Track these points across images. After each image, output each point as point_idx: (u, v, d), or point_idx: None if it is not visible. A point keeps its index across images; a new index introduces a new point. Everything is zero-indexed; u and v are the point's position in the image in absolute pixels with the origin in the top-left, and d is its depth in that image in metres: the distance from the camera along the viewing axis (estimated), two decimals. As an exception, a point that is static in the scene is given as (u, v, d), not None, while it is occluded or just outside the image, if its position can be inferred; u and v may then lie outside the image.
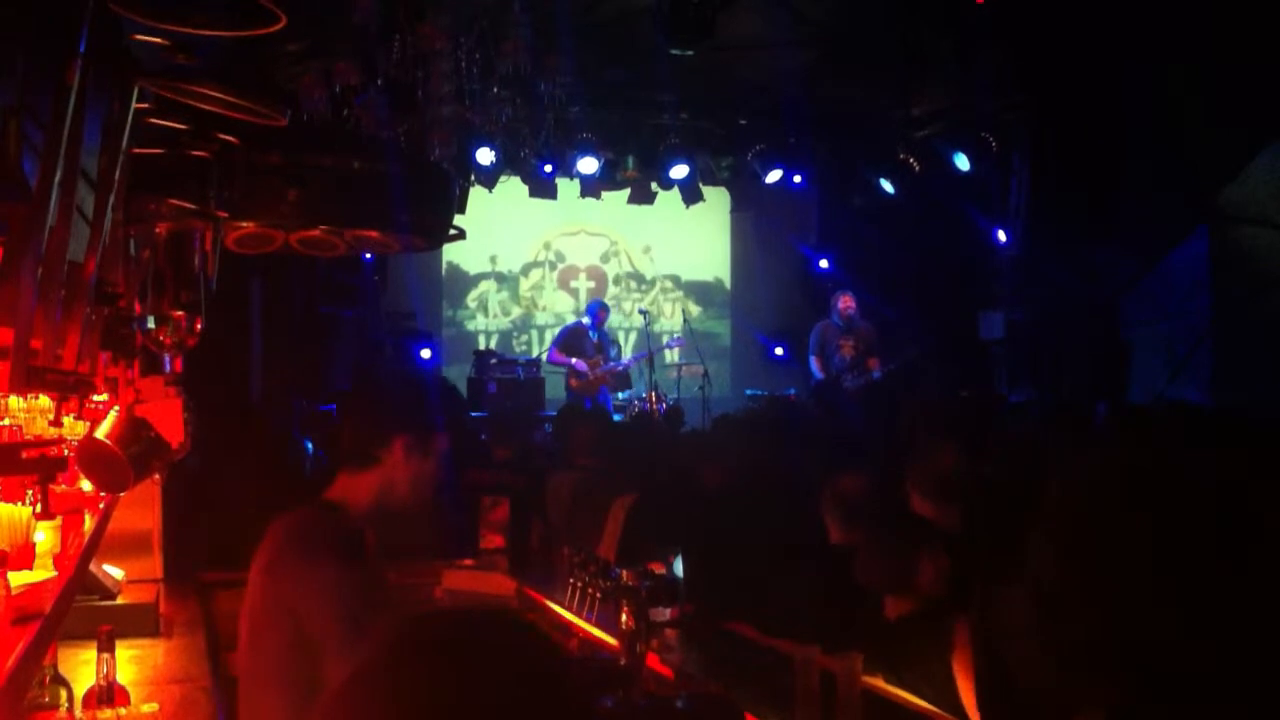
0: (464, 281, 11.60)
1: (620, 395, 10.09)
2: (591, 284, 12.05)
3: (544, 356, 10.47)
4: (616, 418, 8.95)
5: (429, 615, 1.10)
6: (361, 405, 2.42)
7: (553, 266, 12.03)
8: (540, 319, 11.90)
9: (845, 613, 3.02)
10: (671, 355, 10.76)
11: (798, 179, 10.66)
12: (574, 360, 9.82)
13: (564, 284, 12.03)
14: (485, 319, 11.71)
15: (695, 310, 12.08)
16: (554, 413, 7.33)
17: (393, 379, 2.61)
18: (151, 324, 2.58)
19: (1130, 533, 1.30)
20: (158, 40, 2.05)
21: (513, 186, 10.97)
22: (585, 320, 10.17)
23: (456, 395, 2.54)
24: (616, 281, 12.09)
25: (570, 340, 10.01)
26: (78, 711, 2.31)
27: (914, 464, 3.32)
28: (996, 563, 2.67)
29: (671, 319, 11.93)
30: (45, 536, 2.33)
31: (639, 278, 12.16)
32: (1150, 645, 1.18)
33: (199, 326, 2.63)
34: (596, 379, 9.85)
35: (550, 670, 1.04)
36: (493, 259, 11.72)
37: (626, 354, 10.66)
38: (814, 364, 9.60)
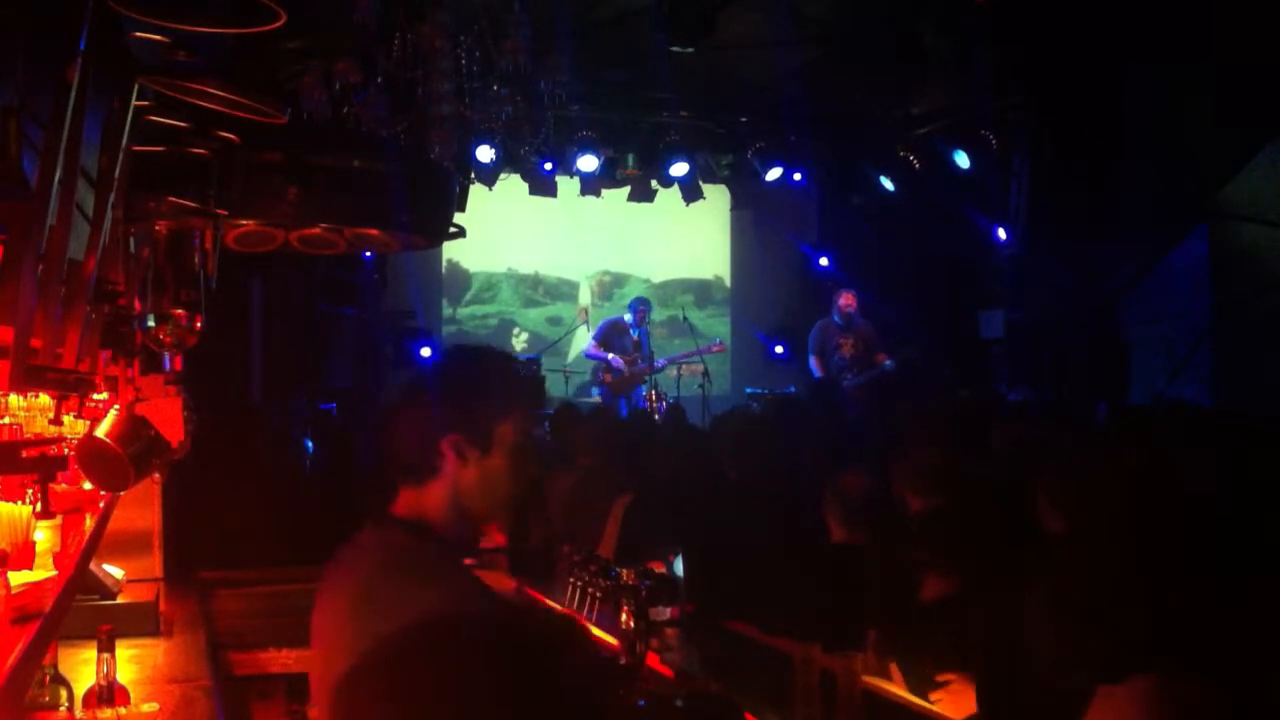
0: (464, 280, 11.59)
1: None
2: (591, 282, 12.05)
3: (538, 355, 10.46)
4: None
5: (451, 616, 1.12)
6: (407, 410, 2.02)
7: (552, 264, 12.02)
8: (540, 317, 11.90)
9: (845, 612, 3.03)
10: (692, 367, 10.68)
11: (797, 177, 10.66)
12: (610, 356, 9.77)
13: (563, 281, 12.03)
14: (485, 317, 11.70)
15: (695, 309, 12.07)
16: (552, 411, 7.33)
17: (437, 371, 2.12)
18: (152, 322, 2.58)
19: (1132, 532, 1.31)
20: (158, 38, 2.04)
21: (513, 184, 10.97)
22: (627, 317, 10.06)
23: (516, 372, 2.15)
24: (616, 279, 12.09)
25: (610, 335, 9.91)
26: (78, 711, 2.31)
27: (903, 462, 3.33)
28: (996, 560, 2.67)
29: (672, 314, 11.91)
30: (45, 536, 2.33)
31: (638, 275, 12.15)
32: (1157, 638, 1.19)
33: (199, 325, 2.63)
34: (632, 376, 9.79)
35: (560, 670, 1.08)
36: (493, 257, 11.72)
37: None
38: (813, 363, 9.60)
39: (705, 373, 10.43)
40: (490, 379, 2.03)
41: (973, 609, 2.54)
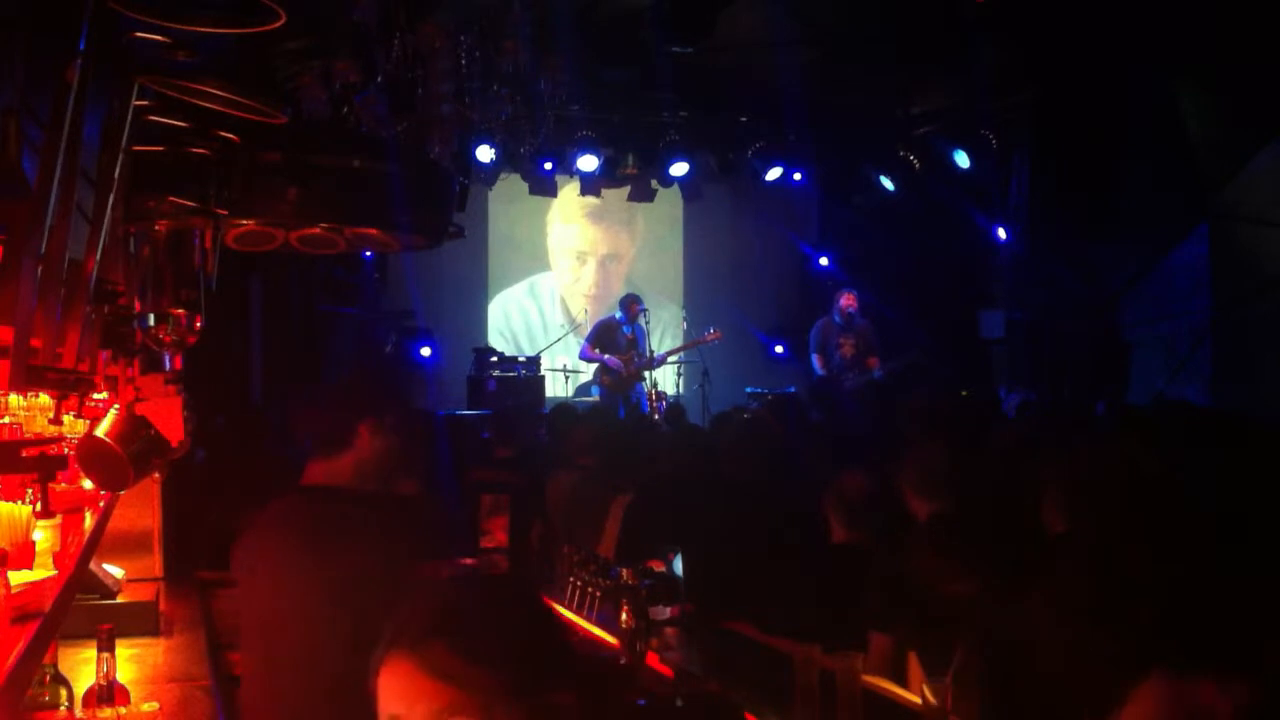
0: (464, 280, 11.59)
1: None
2: (590, 281, 12.05)
3: (538, 355, 10.45)
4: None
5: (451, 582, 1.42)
6: (326, 397, 2.70)
7: (552, 264, 12.03)
8: (539, 317, 11.90)
9: (845, 612, 3.03)
10: (672, 362, 10.64)
11: (797, 177, 10.67)
12: (606, 356, 9.71)
13: (562, 282, 12.03)
14: (485, 317, 11.70)
15: (694, 309, 12.08)
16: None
17: (356, 372, 2.87)
18: (151, 322, 2.58)
19: (1132, 533, 1.31)
20: (158, 38, 2.04)
21: (512, 184, 10.97)
22: (617, 315, 9.94)
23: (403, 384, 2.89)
24: (615, 279, 12.09)
25: (602, 335, 9.80)
26: (78, 710, 2.31)
27: (905, 461, 3.32)
28: (995, 560, 2.67)
29: (670, 317, 11.92)
30: (45, 535, 2.32)
31: (638, 275, 12.16)
32: (1165, 636, 1.19)
33: (199, 324, 2.63)
34: (630, 375, 9.73)
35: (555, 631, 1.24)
36: (492, 257, 11.72)
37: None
38: (815, 362, 9.57)
39: (705, 373, 10.43)
40: (391, 380, 2.72)
41: (978, 610, 2.54)
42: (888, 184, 10.48)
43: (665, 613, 3.17)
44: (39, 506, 2.51)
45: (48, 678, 2.30)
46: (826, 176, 10.95)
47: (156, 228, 2.66)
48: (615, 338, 9.77)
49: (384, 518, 2.49)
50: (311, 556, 2.42)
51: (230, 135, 2.64)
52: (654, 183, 11.15)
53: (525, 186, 10.98)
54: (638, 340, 9.81)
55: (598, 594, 3.26)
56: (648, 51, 7.76)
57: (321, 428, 2.58)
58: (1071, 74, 8.28)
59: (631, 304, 9.85)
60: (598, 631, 3.17)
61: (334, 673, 2.22)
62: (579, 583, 3.36)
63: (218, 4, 1.96)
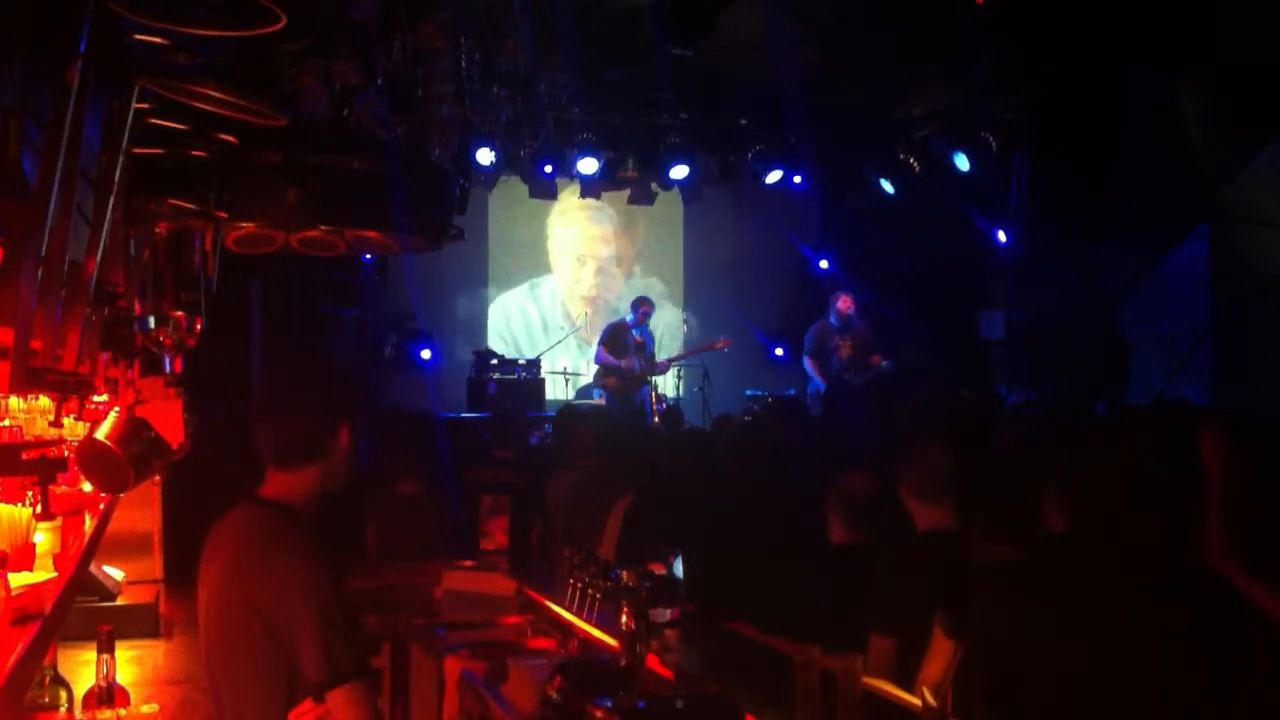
0: (464, 282, 11.59)
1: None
2: (590, 284, 12.04)
3: (538, 357, 10.45)
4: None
5: None
6: (300, 403, 2.37)
7: (552, 267, 12.03)
8: (540, 319, 11.90)
9: (845, 612, 3.02)
10: (674, 370, 10.61)
11: (797, 179, 10.67)
12: (622, 362, 9.70)
13: (563, 284, 12.03)
14: (485, 320, 11.70)
15: (695, 311, 12.08)
16: (553, 413, 7.31)
17: (320, 373, 2.57)
18: (152, 324, 2.58)
19: (1132, 532, 1.31)
20: (158, 40, 2.04)
21: (512, 186, 10.97)
22: (627, 317, 9.97)
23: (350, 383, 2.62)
24: (615, 281, 12.09)
25: (613, 338, 9.81)
26: (78, 712, 2.31)
27: (906, 463, 3.32)
28: (996, 559, 2.67)
29: (671, 319, 11.92)
30: (45, 537, 2.33)
31: (638, 278, 12.16)
32: (1162, 630, 1.19)
33: (199, 326, 2.63)
34: (636, 379, 9.71)
35: None
36: (492, 259, 11.72)
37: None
38: (809, 365, 9.56)
39: (705, 375, 10.42)
40: (358, 380, 2.37)
41: (978, 609, 2.54)
42: (887, 186, 10.48)
43: (665, 614, 3.17)
44: (39, 509, 2.52)
45: (47, 679, 2.30)
46: (826, 178, 10.95)
47: (157, 230, 2.66)
48: (625, 340, 9.78)
49: (330, 542, 2.28)
50: (246, 574, 2.23)
51: (230, 137, 2.64)
52: (654, 185, 11.15)
53: (525, 189, 10.99)
54: (645, 344, 9.82)
55: (598, 596, 3.26)
56: (648, 52, 7.76)
57: (289, 438, 2.31)
58: (1071, 74, 8.27)
59: (641, 305, 9.87)
60: (598, 633, 3.17)
61: (257, 697, 2.19)
62: (579, 584, 3.35)
63: (218, 6, 1.96)
